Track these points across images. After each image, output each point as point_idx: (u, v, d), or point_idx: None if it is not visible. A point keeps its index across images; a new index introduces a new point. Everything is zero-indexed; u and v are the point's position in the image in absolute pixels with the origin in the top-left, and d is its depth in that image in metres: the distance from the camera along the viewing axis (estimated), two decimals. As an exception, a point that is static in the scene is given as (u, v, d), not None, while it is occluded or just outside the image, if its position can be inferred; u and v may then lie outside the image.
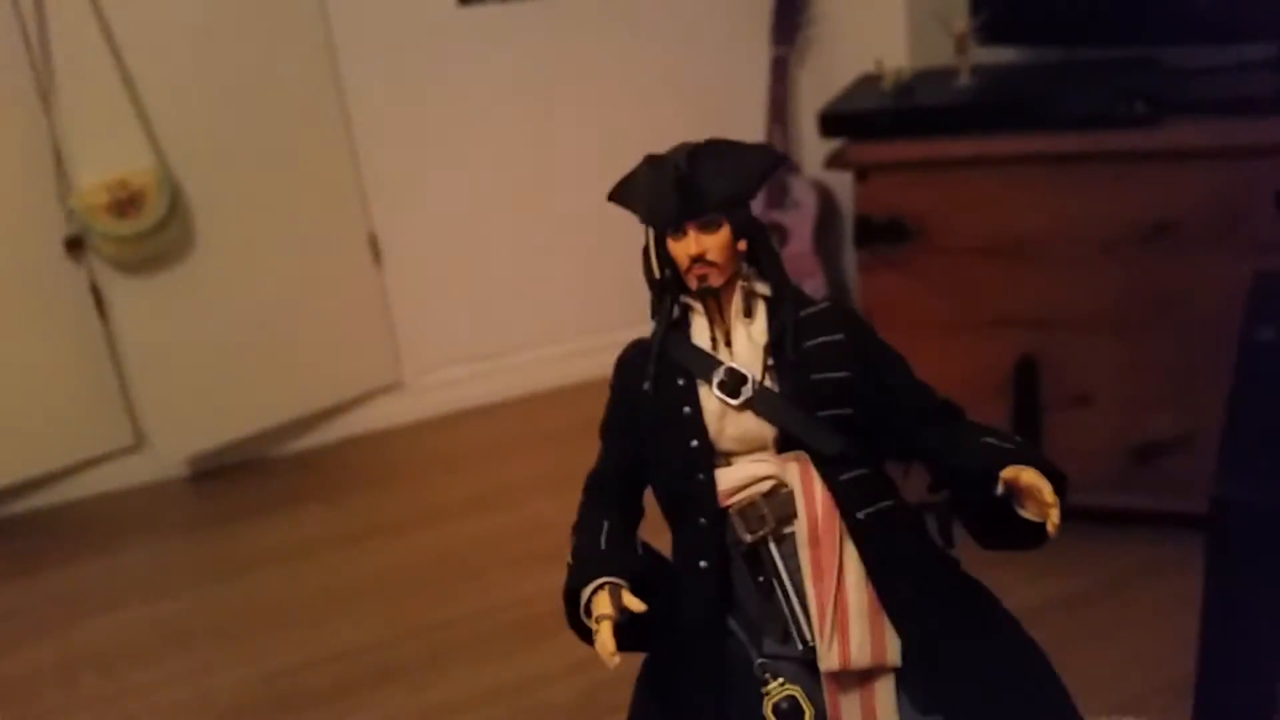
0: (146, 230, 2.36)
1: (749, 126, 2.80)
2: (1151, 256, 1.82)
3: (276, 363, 2.63)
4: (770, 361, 0.83)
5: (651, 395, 0.85)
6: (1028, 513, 0.79)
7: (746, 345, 0.84)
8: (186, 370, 2.56)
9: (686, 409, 0.84)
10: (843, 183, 2.68)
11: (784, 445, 0.83)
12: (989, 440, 0.84)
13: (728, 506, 0.83)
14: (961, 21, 2.07)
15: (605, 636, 0.76)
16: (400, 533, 2.35)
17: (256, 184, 2.56)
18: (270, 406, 2.70)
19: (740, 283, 0.85)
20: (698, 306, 0.87)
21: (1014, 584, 1.87)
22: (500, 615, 2.00)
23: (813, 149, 2.88)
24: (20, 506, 2.67)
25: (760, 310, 0.85)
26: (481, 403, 2.87)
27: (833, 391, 0.83)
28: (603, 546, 0.85)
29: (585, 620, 0.81)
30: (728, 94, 2.84)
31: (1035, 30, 2.17)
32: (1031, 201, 1.90)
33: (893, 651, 0.80)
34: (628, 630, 0.78)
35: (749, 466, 0.83)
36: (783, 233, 2.71)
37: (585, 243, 2.77)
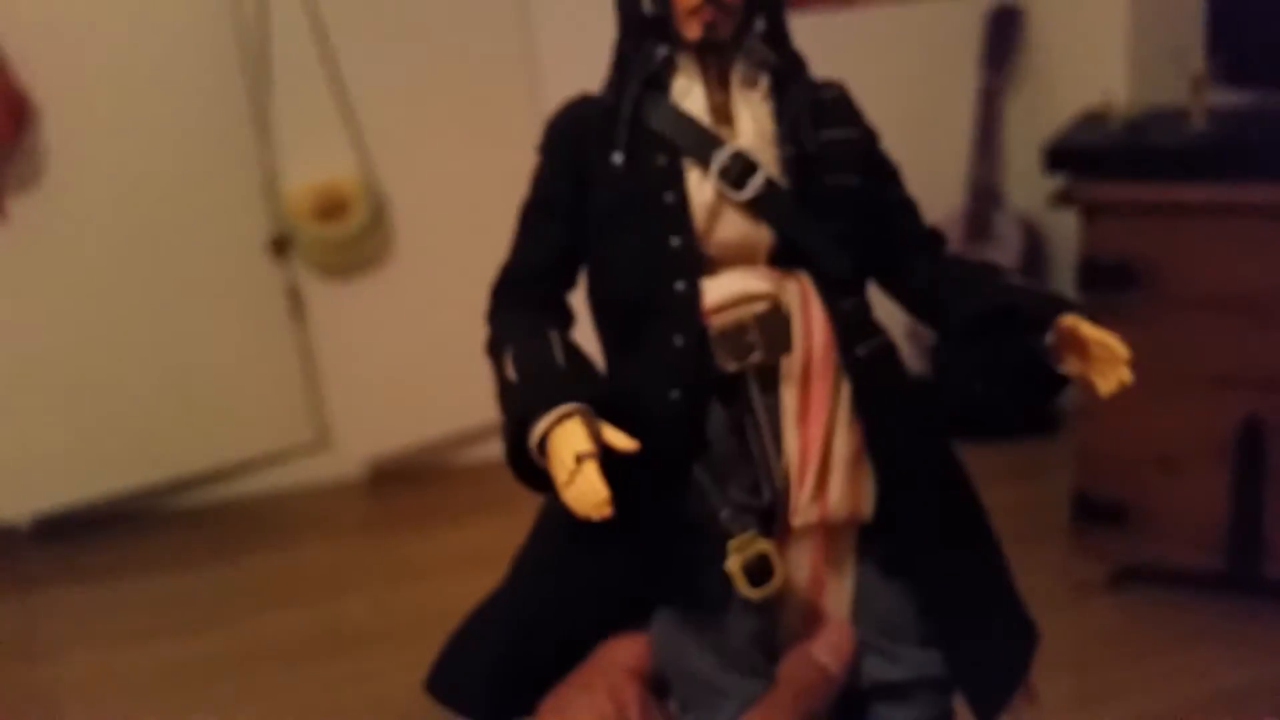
0: (350, 235, 2.44)
1: (952, 155, 2.75)
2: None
3: (461, 371, 2.64)
4: (790, 151, 0.66)
5: (622, 170, 0.66)
6: (1071, 368, 0.64)
7: (751, 126, 0.66)
8: (373, 373, 2.64)
9: (669, 196, 0.65)
10: (1050, 219, 2.60)
11: (776, 259, 0.67)
12: (1014, 281, 0.68)
13: (707, 326, 0.66)
14: (1199, 61, 1.98)
15: (594, 479, 0.57)
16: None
17: (450, 195, 2.61)
18: (451, 414, 2.74)
19: (745, 43, 0.68)
20: (689, 65, 0.68)
21: (1219, 666, 1.78)
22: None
23: (1019, 182, 2.78)
24: (204, 497, 2.78)
25: (763, 85, 0.68)
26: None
27: (842, 200, 0.67)
28: (560, 362, 0.65)
29: (536, 459, 0.61)
30: (932, 120, 2.77)
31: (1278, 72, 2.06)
32: (1270, 256, 1.81)
33: (867, 503, 0.66)
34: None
35: (742, 280, 0.66)
36: (981, 269, 2.62)
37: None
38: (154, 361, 2.62)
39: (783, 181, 0.66)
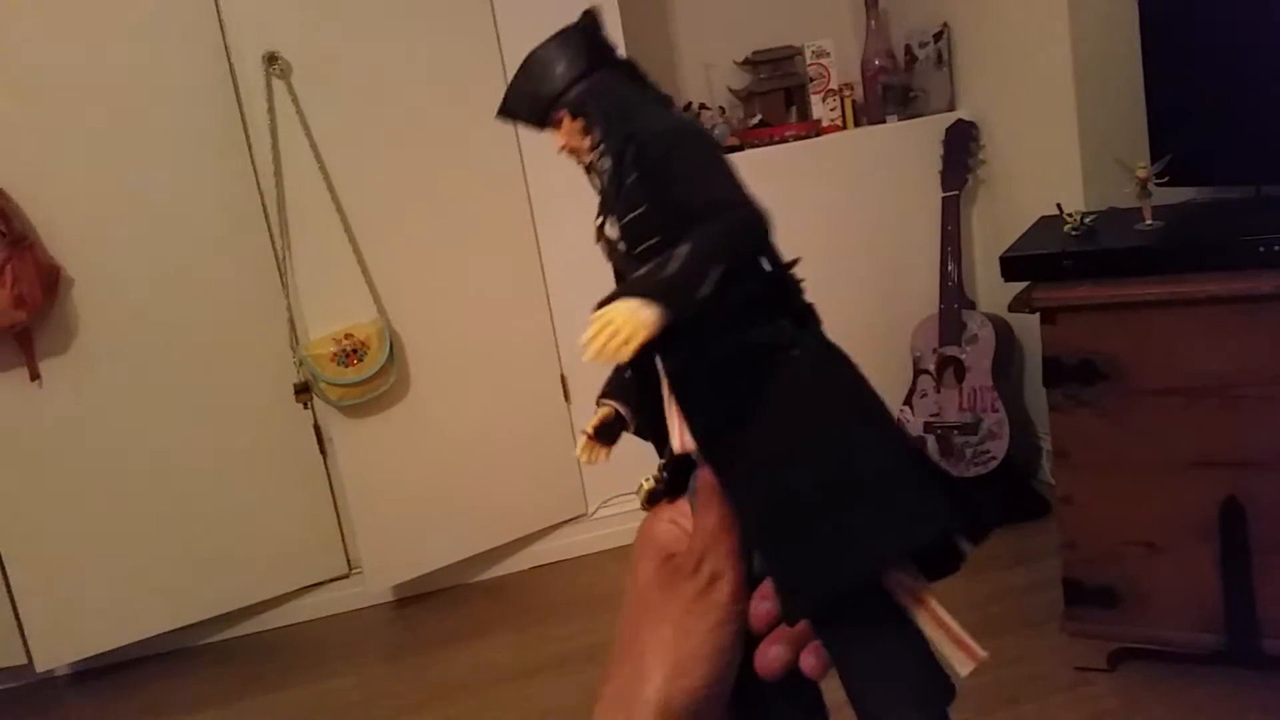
0: (367, 378, 2.56)
1: (925, 261, 2.86)
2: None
3: (475, 497, 2.76)
4: None
5: None
6: None
7: None
8: (395, 504, 2.72)
9: None
10: (1020, 317, 2.68)
11: None
12: None
13: None
14: (1144, 165, 2.05)
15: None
16: (591, 660, 2.40)
17: (463, 334, 2.75)
18: (468, 537, 2.83)
19: None
20: None
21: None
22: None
23: (987, 284, 2.89)
24: (236, 630, 2.86)
25: None
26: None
27: None
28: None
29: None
30: (903, 230, 2.91)
31: (1217, 171, 2.15)
32: (1226, 342, 1.85)
33: None
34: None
35: None
36: (960, 367, 2.72)
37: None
38: (188, 509, 2.73)
39: None
